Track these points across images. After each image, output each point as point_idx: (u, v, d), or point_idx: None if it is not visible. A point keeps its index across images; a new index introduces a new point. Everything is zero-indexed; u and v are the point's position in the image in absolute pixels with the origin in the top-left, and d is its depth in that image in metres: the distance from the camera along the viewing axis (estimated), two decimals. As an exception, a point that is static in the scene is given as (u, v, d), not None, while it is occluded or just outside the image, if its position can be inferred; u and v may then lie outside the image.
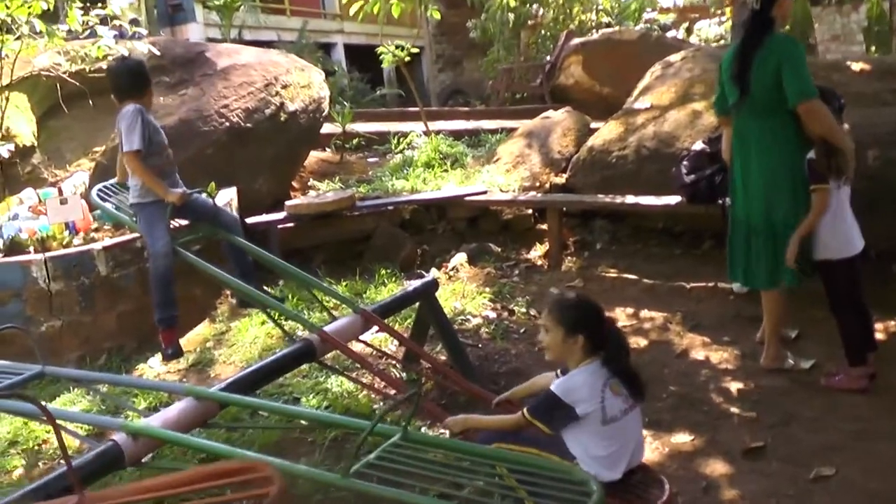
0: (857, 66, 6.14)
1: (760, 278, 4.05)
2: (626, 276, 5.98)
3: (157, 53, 6.75)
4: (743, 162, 4.06)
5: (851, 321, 3.92)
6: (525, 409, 2.75)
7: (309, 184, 7.84)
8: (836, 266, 3.86)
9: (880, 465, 3.25)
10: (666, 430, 3.64)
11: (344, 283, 5.84)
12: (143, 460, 2.72)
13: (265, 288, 5.15)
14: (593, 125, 7.94)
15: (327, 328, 3.55)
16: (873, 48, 11.15)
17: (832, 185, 3.81)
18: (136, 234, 4.95)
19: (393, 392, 3.79)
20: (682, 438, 3.57)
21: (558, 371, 2.92)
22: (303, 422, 3.53)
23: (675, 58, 7.70)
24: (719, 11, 15.42)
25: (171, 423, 2.75)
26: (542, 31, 13.63)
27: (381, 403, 3.95)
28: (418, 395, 2.36)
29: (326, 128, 8.52)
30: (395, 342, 4.60)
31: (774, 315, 4.14)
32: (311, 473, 2.42)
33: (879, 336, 4.34)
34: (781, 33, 3.98)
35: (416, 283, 4.39)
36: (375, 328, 4.04)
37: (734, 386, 4.09)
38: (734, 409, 3.82)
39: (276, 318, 4.28)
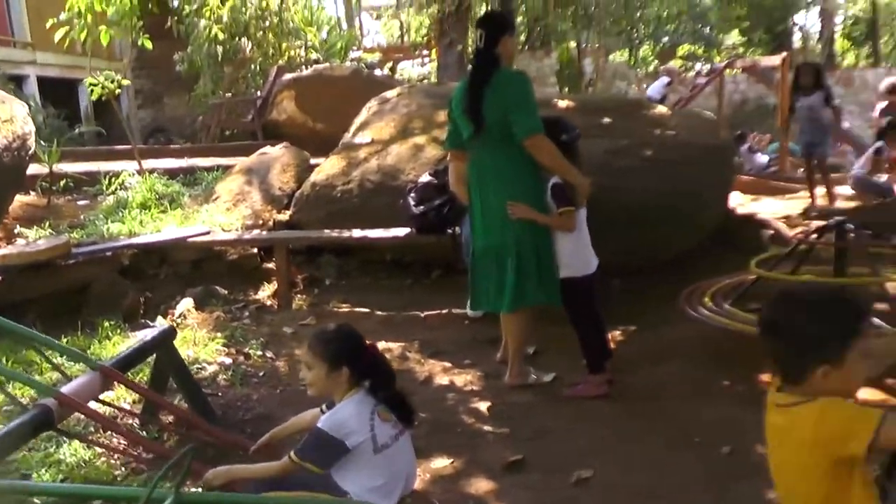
0: (563, 104, 6.71)
1: (506, 302, 4.20)
2: (358, 309, 5.95)
3: None
4: (481, 193, 4.18)
5: (591, 333, 4.21)
6: (293, 452, 2.62)
7: (16, 231, 7.03)
8: (578, 283, 4.17)
9: (634, 462, 3.44)
10: (424, 457, 3.65)
11: (64, 340, 5.28)
12: None
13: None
14: (313, 161, 7.93)
15: (65, 389, 3.16)
16: (566, 89, 12.40)
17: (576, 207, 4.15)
18: None
19: (143, 454, 3.48)
20: (442, 462, 3.59)
21: (323, 406, 2.84)
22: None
23: (390, 94, 7.92)
24: (423, 53, 16.21)
25: None
26: (251, 66, 13.44)
27: (124, 468, 3.60)
28: (191, 454, 2.17)
29: (30, 168, 7.69)
30: (131, 398, 4.23)
31: (518, 335, 4.34)
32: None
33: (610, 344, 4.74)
34: (511, 70, 4.21)
35: (151, 332, 4.06)
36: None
37: (483, 405, 4.16)
38: (488, 428, 3.88)
39: None
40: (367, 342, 2.80)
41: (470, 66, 4.28)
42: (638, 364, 4.62)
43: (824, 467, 1.69)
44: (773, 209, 8.14)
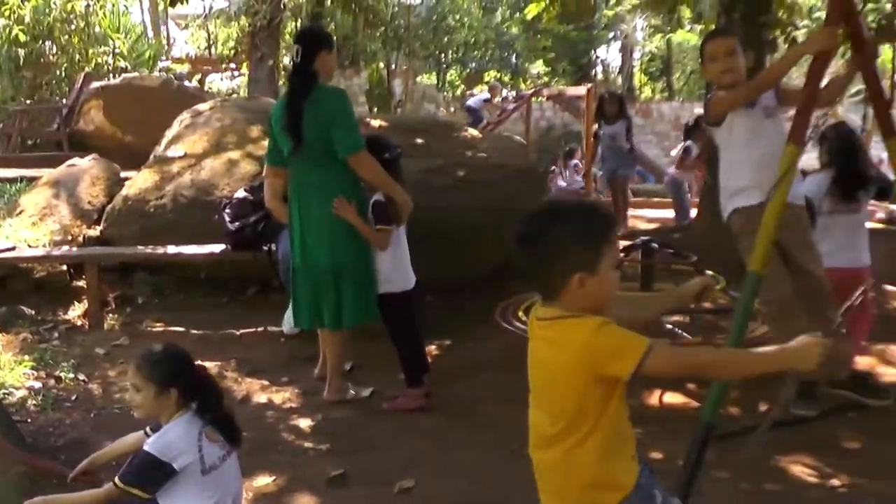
0: (376, 123, 6.82)
1: (329, 320, 4.19)
2: (173, 328, 5.73)
3: None
4: (302, 210, 4.17)
5: (409, 347, 4.31)
6: (117, 478, 2.51)
7: None
8: (398, 298, 4.25)
9: (456, 470, 3.56)
10: (247, 476, 3.56)
11: None
12: None
13: None
14: (123, 174, 7.57)
15: None
16: (375, 108, 12.57)
17: (393, 226, 4.22)
18: None
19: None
20: (264, 480, 3.54)
21: (148, 428, 2.74)
22: None
23: (203, 107, 7.72)
24: (232, 66, 15.87)
25: None
26: (56, 72, 12.61)
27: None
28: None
29: None
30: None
31: (338, 352, 4.35)
32: None
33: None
34: (330, 86, 4.24)
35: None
36: None
37: (304, 423, 4.15)
38: (309, 444, 3.87)
39: None
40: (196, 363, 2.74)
41: (286, 82, 4.27)
42: (455, 376, 4.77)
43: (585, 380, 1.77)
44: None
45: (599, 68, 28.74)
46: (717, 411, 2.72)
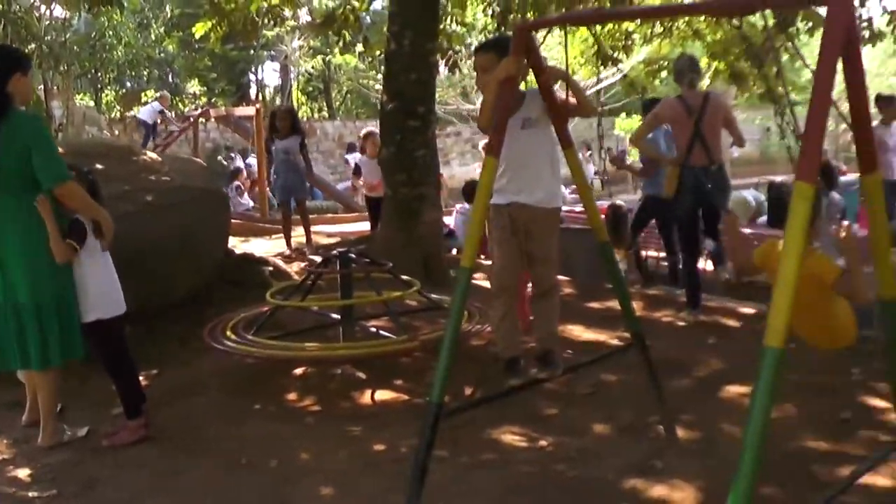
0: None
1: (34, 360, 3.93)
2: None
3: None
4: None
5: (124, 376, 4.15)
6: None
7: None
8: (110, 324, 4.07)
9: (191, 493, 3.57)
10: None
11: None
12: None
13: None
14: None
15: None
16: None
17: (99, 247, 4.05)
18: None
19: None
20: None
21: None
22: None
23: None
24: None
25: None
26: None
27: None
28: None
29: None
30: None
31: (50, 392, 4.05)
32: None
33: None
34: (27, 111, 3.97)
35: None
36: None
37: (22, 472, 3.85)
38: (33, 494, 3.59)
39: None
40: None
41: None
42: (171, 402, 4.68)
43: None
44: (265, 248, 8.74)
45: (256, 88, 28.87)
46: (443, 392, 3.04)
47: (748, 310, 6.27)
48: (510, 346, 3.91)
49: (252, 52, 24.94)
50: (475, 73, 4.08)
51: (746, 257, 3.81)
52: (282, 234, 9.33)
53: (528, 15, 9.13)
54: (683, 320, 6.19)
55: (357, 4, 10.20)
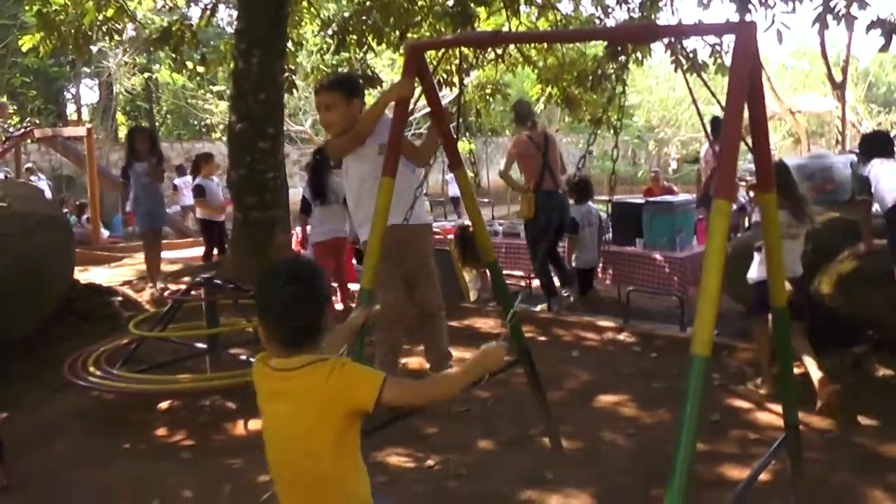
0: None
1: None
2: None
3: None
4: None
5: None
6: None
7: None
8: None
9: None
10: None
11: None
12: None
13: None
14: None
15: None
16: None
17: None
18: None
19: None
20: None
21: None
22: None
23: None
24: None
25: None
26: None
27: None
28: None
29: None
30: None
31: None
32: None
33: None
34: None
35: None
36: None
37: None
38: None
39: None
40: None
41: None
42: (29, 448, 4.32)
43: (335, 418, 1.92)
44: (105, 277, 8.25)
45: (74, 107, 27.27)
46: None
47: (605, 322, 6.56)
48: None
49: (69, 68, 23.57)
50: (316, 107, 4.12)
51: None
52: (122, 263, 8.81)
53: (368, 37, 9.18)
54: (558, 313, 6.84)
55: (195, 21, 9.89)
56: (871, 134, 6.02)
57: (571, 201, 7.37)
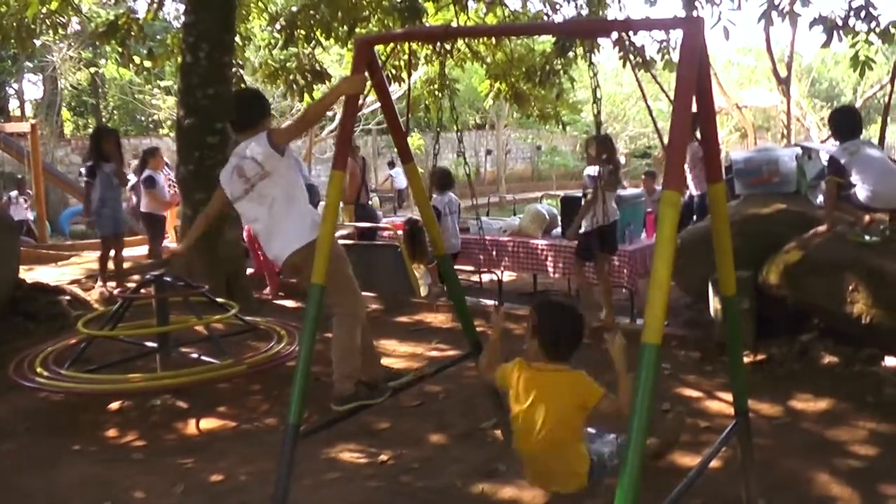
0: None
1: None
2: None
3: None
4: None
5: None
6: None
7: None
8: None
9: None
10: None
11: None
12: None
13: None
14: None
15: None
16: None
17: None
18: None
19: None
20: None
21: None
22: None
23: None
24: None
25: None
26: None
27: None
28: None
29: None
30: None
31: None
32: None
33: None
34: None
35: None
36: None
37: None
38: None
39: None
40: None
41: None
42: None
43: (572, 408, 2.85)
44: (52, 276, 8.08)
45: (16, 103, 26.61)
46: (301, 413, 2.96)
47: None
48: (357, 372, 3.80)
49: (11, 62, 23.00)
50: None
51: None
52: (69, 261, 8.64)
53: (316, 32, 9.12)
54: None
55: (141, 14, 9.71)
56: (844, 111, 5.97)
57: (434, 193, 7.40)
